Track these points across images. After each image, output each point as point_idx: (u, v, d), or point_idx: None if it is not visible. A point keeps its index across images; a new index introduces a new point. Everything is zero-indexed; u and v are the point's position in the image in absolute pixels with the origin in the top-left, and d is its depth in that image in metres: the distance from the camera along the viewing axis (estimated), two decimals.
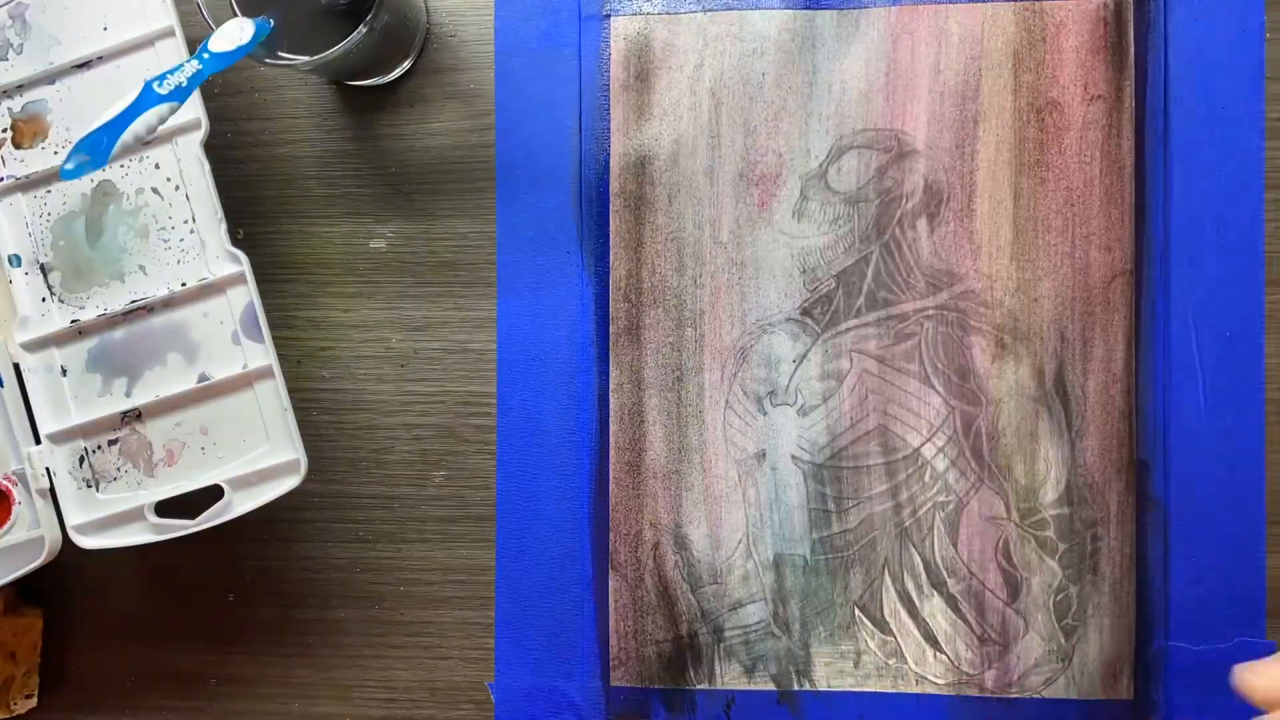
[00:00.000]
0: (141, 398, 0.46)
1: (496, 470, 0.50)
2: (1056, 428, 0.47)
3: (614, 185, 0.49)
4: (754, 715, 0.49)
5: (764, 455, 0.49)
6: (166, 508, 0.46)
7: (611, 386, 0.49)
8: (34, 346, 0.47)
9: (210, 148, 0.46)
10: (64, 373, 0.47)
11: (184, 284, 0.46)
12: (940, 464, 0.48)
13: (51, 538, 0.46)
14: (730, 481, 0.49)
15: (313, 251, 0.51)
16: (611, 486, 0.49)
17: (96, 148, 0.38)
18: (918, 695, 0.48)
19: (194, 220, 0.46)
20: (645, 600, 0.49)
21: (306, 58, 0.43)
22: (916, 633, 0.48)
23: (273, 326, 0.46)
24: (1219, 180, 0.47)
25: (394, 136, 0.50)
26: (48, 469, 0.46)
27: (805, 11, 0.48)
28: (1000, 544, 0.48)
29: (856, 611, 0.48)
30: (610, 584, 0.49)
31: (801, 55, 0.48)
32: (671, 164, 0.49)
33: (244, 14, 0.43)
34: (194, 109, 0.45)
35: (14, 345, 0.47)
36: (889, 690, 0.48)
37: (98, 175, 0.46)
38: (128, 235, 0.46)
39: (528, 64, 0.50)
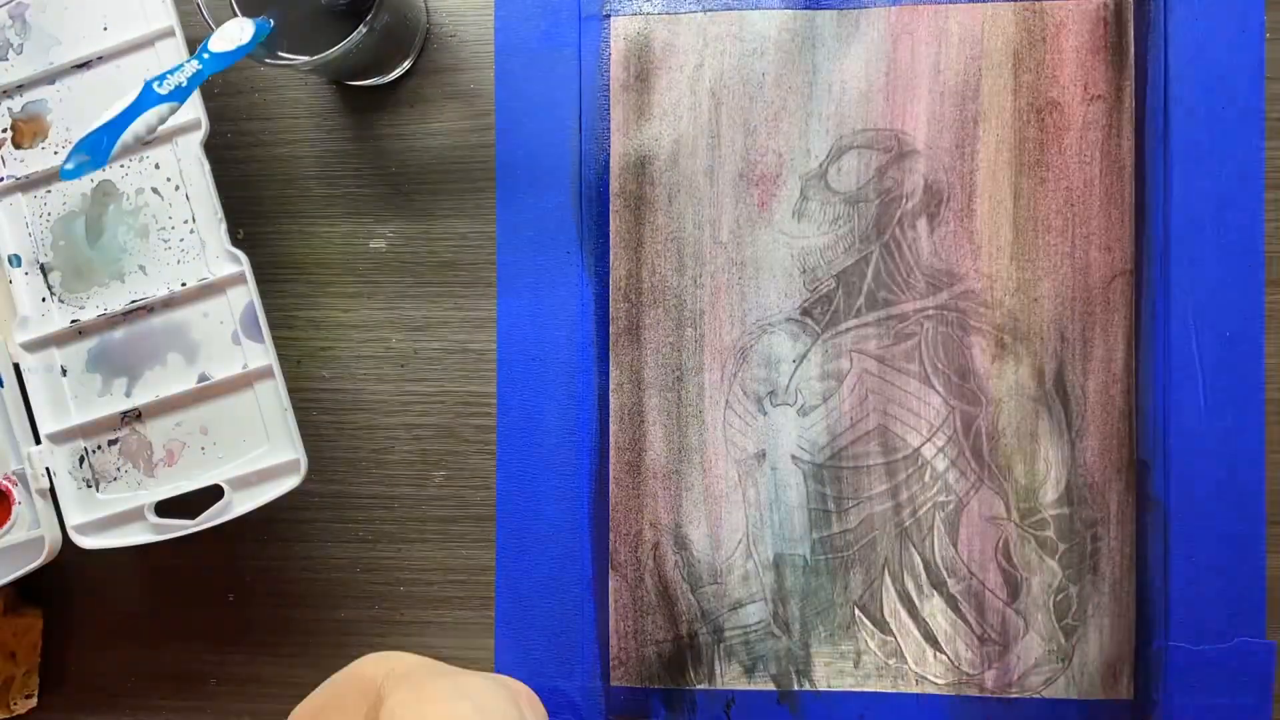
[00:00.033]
0: (141, 398, 0.46)
1: (496, 470, 0.50)
2: (1056, 428, 0.47)
3: (614, 185, 0.49)
4: (754, 715, 0.49)
5: (764, 455, 0.49)
6: (166, 508, 0.46)
7: (611, 386, 0.49)
8: (34, 346, 0.47)
9: (210, 148, 0.46)
10: (64, 373, 0.47)
11: (184, 284, 0.46)
12: (940, 464, 0.48)
13: (51, 538, 0.46)
14: (730, 481, 0.49)
15: (313, 251, 0.51)
16: (611, 486, 0.49)
17: (96, 148, 0.38)
18: (918, 695, 0.48)
19: (194, 220, 0.46)
20: (645, 600, 0.49)
21: (306, 58, 0.43)
22: (916, 633, 0.48)
23: (273, 326, 0.46)
24: (1219, 180, 0.47)
25: (394, 136, 0.50)
26: (48, 469, 0.46)
27: (805, 11, 0.48)
28: (1000, 544, 0.48)
29: (856, 611, 0.48)
30: (610, 584, 0.49)
31: (801, 55, 0.48)
32: (671, 164, 0.49)
33: (244, 14, 0.43)
34: (194, 109, 0.45)
35: (14, 345, 0.47)
36: (889, 690, 0.48)
37: (98, 175, 0.46)
38: (128, 235, 0.46)
39: (528, 64, 0.50)
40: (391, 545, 0.51)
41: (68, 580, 0.52)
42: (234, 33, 0.41)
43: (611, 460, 0.49)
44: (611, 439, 0.49)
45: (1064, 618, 0.47)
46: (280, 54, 0.43)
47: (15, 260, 0.47)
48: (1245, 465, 0.47)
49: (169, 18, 0.46)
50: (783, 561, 0.48)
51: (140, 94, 0.38)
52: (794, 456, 0.48)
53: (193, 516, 0.45)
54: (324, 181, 0.51)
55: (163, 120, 0.39)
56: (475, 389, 0.50)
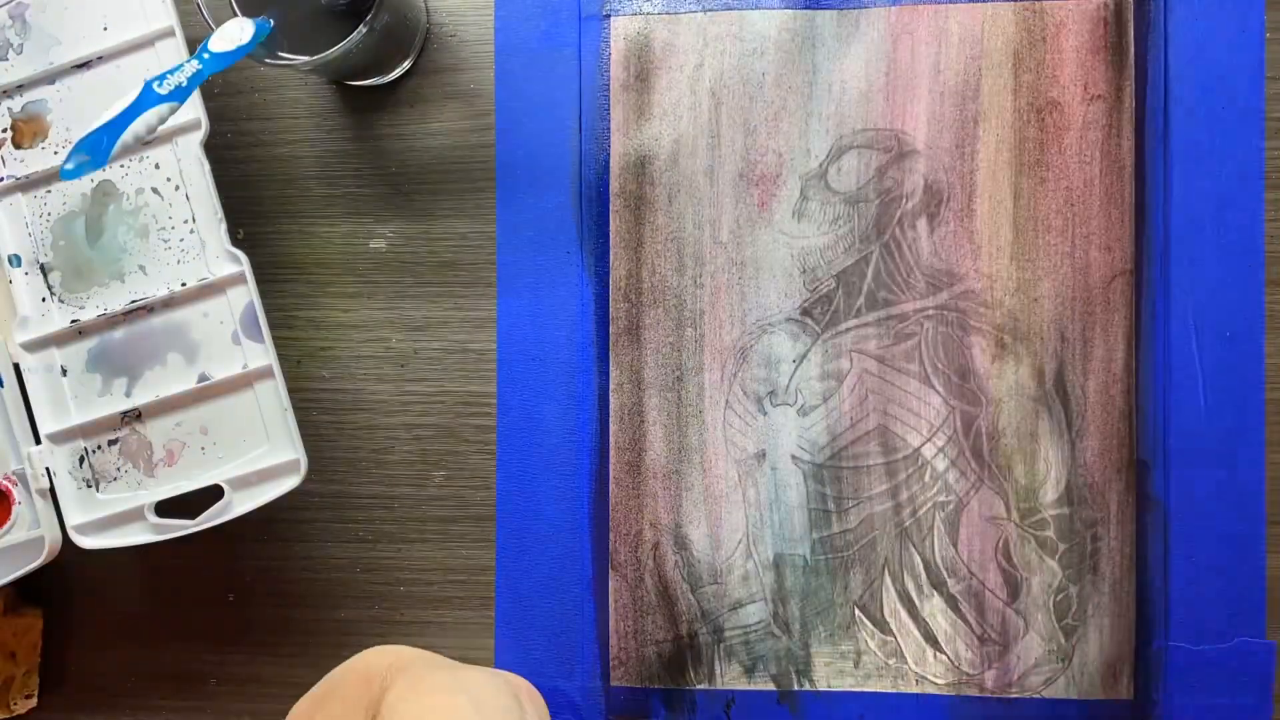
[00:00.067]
0: (141, 398, 0.46)
1: (496, 470, 0.50)
2: (1056, 428, 0.47)
3: (614, 185, 0.49)
4: (754, 715, 0.49)
5: (764, 455, 0.49)
6: (166, 508, 0.46)
7: (611, 386, 0.49)
8: (34, 346, 0.47)
9: (210, 148, 0.46)
10: (64, 373, 0.47)
11: (184, 284, 0.46)
12: (940, 464, 0.48)
13: (51, 538, 0.46)
14: (730, 481, 0.49)
15: (313, 251, 0.51)
16: (611, 486, 0.49)
17: (96, 148, 0.38)
18: (918, 695, 0.48)
19: (194, 220, 0.46)
20: (645, 600, 0.49)
21: (306, 58, 0.43)
22: (916, 633, 0.48)
23: (273, 326, 0.46)
24: (1219, 180, 0.47)
25: (394, 136, 0.50)
26: (48, 469, 0.46)
27: (805, 11, 0.48)
28: (1000, 544, 0.48)
29: (856, 611, 0.48)
30: (610, 584, 0.49)
31: (801, 55, 0.48)
32: (671, 164, 0.49)
33: (244, 14, 0.43)
34: (194, 109, 0.45)
35: (14, 345, 0.47)
36: (889, 690, 0.48)
37: (98, 175, 0.46)
38: (128, 235, 0.46)
39: (528, 64, 0.50)
40: (391, 545, 0.51)
41: (68, 580, 0.52)
42: (234, 33, 0.41)
43: (611, 460, 0.49)
44: (611, 439, 0.49)
45: (1064, 618, 0.47)
46: (280, 54, 0.43)
47: (15, 260, 0.47)
48: (1245, 465, 0.47)
49: (169, 18, 0.46)
50: (783, 561, 0.48)
51: (140, 94, 0.38)
52: (794, 456, 0.48)
53: (193, 516, 0.45)
54: (324, 181, 0.51)
55: (163, 120, 0.39)
56: (475, 389, 0.50)
